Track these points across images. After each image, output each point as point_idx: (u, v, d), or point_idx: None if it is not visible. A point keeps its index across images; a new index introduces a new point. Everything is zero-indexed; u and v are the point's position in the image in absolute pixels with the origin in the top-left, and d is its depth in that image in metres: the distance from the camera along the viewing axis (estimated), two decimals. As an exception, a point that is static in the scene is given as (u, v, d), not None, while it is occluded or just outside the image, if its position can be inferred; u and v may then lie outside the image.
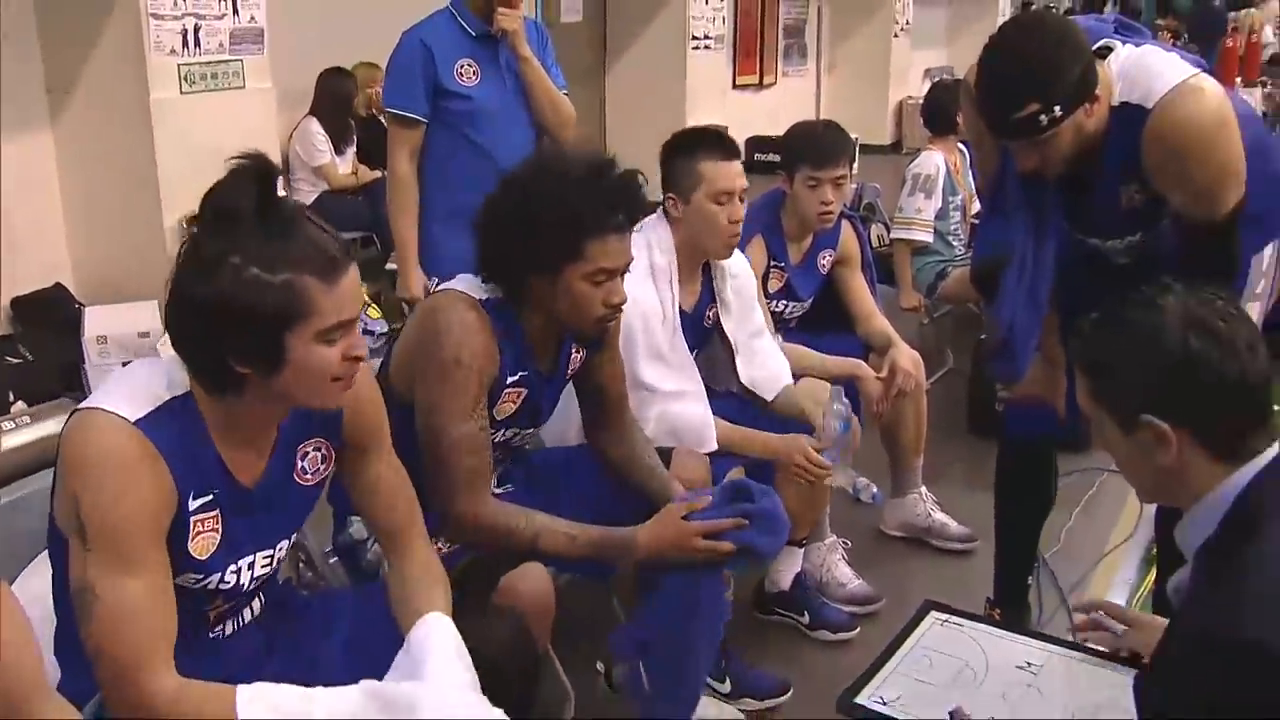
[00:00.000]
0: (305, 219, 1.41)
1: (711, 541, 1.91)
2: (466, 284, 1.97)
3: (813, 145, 2.97)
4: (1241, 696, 1.20)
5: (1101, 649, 1.84)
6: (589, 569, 2.18)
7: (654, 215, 2.55)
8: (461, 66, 3.01)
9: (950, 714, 1.59)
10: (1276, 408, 1.38)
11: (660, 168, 2.57)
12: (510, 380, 1.98)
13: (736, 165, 2.51)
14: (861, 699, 1.74)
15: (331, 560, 2.11)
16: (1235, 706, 1.20)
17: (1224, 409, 1.35)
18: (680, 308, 2.52)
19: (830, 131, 3.10)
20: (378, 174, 5.51)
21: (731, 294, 2.67)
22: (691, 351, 2.55)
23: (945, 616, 1.95)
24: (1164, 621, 1.73)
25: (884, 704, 1.72)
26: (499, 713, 1.44)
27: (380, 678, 1.46)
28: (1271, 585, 1.23)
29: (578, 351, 2.12)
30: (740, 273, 2.69)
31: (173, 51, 4.24)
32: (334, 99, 5.60)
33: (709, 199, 2.46)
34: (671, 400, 2.41)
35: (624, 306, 2.31)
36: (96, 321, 3.99)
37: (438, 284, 2.88)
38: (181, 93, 4.29)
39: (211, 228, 1.37)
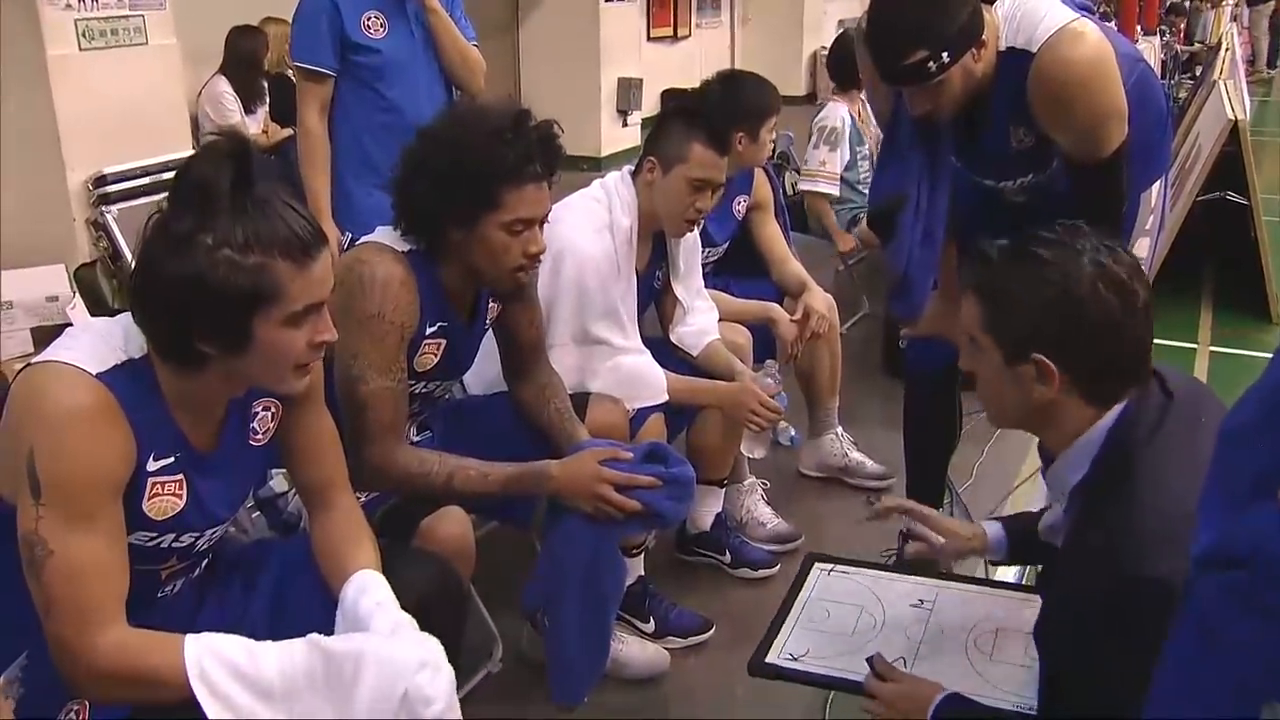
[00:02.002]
0: (280, 200, 1.40)
1: (620, 496, 1.94)
2: (386, 236, 1.98)
3: (756, 95, 3.01)
4: (1145, 629, 1.23)
5: (978, 577, 1.92)
6: (510, 514, 2.22)
7: (618, 174, 2.56)
8: (369, 19, 2.98)
9: (869, 661, 1.63)
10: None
11: (654, 128, 2.57)
12: (430, 332, 1.99)
13: (724, 162, 2.50)
14: (772, 659, 1.76)
15: (254, 514, 2.11)
16: (1138, 638, 1.24)
17: (1113, 362, 1.40)
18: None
19: (764, 84, 3.14)
20: (288, 132, 5.41)
21: (682, 257, 2.71)
22: (640, 312, 2.59)
23: (830, 566, 1.99)
24: (970, 530, 1.85)
25: (794, 659, 1.75)
26: (440, 655, 1.45)
27: (306, 630, 1.45)
28: (1157, 520, 1.28)
29: (495, 301, 2.14)
30: (687, 236, 2.71)
31: (68, 6, 4.09)
32: (242, 58, 5.48)
33: (687, 180, 2.45)
34: (623, 354, 2.44)
35: (580, 262, 2.30)
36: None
37: (351, 239, 2.87)
38: (80, 49, 4.15)
39: (185, 204, 1.36)
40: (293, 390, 1.52)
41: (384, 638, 1.45)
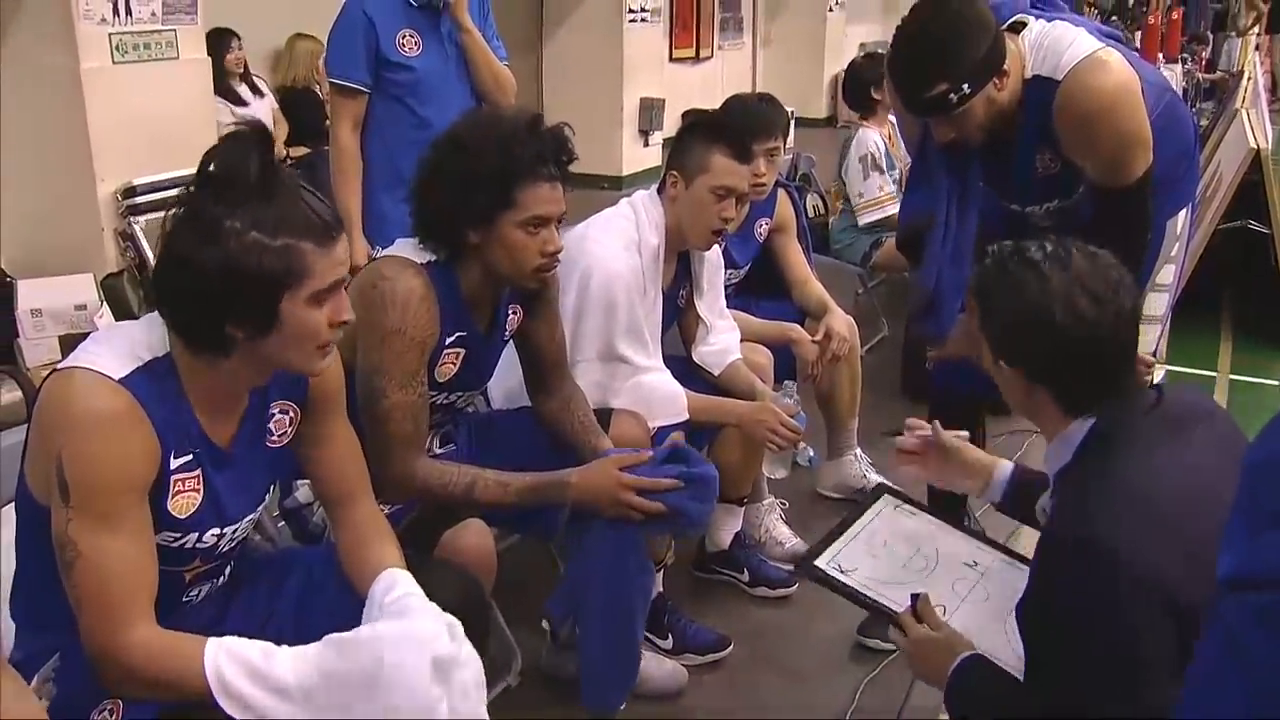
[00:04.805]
0: (299, 185, 1.44)
1: (642, 499, 1.96)
2: (406, 249, 2.00)
3: (747, 118, 3.00)
4: (1081, 588, 1.33)
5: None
6: (532, 527, 2.24)
7: (646, 193, 2.59)
8: (403, 37, 3.03)
9: (913, 596, 1.68)
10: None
11: (674, 143, 2.59)
12: (449, 341, 2.01)
13: (747, 170, 2.52)
14: (821, 563, 1.82)
15: (279, 524, 2.14)
16: (1079, 598, 1.34)
17: (1086, 373, 1.47)
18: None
19: (764, 104, 3.16)
20: (304, 150, 5.45)
21: (705, 277, 2.73)
22: (663, 330, 2.61)
23: (898, 501, 2.02)
24: (988, 461, 1.93)
25: (842, 572, 1.80)
26: (460, 645, 1.47)
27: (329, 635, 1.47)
28: (1107, 492, 1.38)
29: (514, 312, 2.16)
30: (712, 256, 2.75)
31: (103, 20, 4.15)
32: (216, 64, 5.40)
33: (709, 189, 2.46)
34: (644, 373, 2.45)
35: (608, 278, 2.32)
36: (30, 295, 3.92)
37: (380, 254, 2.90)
38: (113, 62, 4.21)
39: (211, 192, 1.39)
40: (315, 370, 1.55)
41: (393, 620, 1.47)
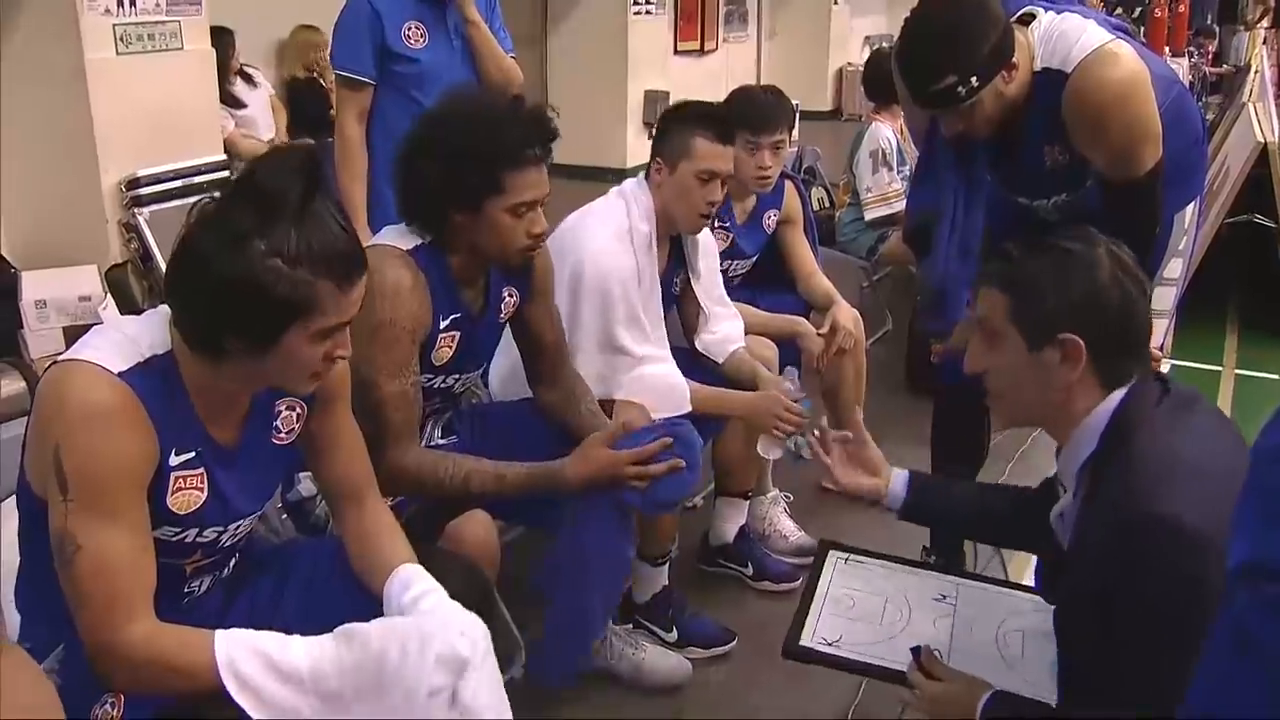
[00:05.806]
0: (335, 220, 1.43)
1: (641, 467, 1.95)
2: (394, 235, 2.00)
3: (752, 110, 3.00)
4: (1161, 569, 1.33)
5: (991, 576, 1.99)
6: (536, 519, 2.23)
7: (635, 181, 2.58)
8: (409, 29, 3.03)
9: (913, 651, 1.66)
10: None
11: (656, 131, 2.60)
12: (444, 325, 2.01)
13: (729, 151, 2.51)
14: (806, 642, 1.79)
15: (283, 517, 2.13)
16: (1156, 579, 1.33)
17: (1127, 342, 1.50)
18: None
19: (770, 97, 3.15)
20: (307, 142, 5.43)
21: (701, 262, 2.72)
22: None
23: (845, 555, 2.03)
24: (883, 461, 1.94)
25: (830, 645, 1.78)
26: (477, 625, 1.48)
27: (335, 627, 1.47)
28: (1158, 466, 1.38)
29: (511, 295, 2.15)
30: (706, 241, 2.74)
31: (107, 11, 4.14)
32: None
33: (693, 174, 2.47)
34: (646, 364, 2.44)
35: (602, 270, 2.32)
36: (34, 286, 3.92)
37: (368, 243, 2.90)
38: (117, 53, 4.20)
39: (246, 204, 1.38)
40: (302, 392, 1.55)
41: (408, 617, 1.47)
